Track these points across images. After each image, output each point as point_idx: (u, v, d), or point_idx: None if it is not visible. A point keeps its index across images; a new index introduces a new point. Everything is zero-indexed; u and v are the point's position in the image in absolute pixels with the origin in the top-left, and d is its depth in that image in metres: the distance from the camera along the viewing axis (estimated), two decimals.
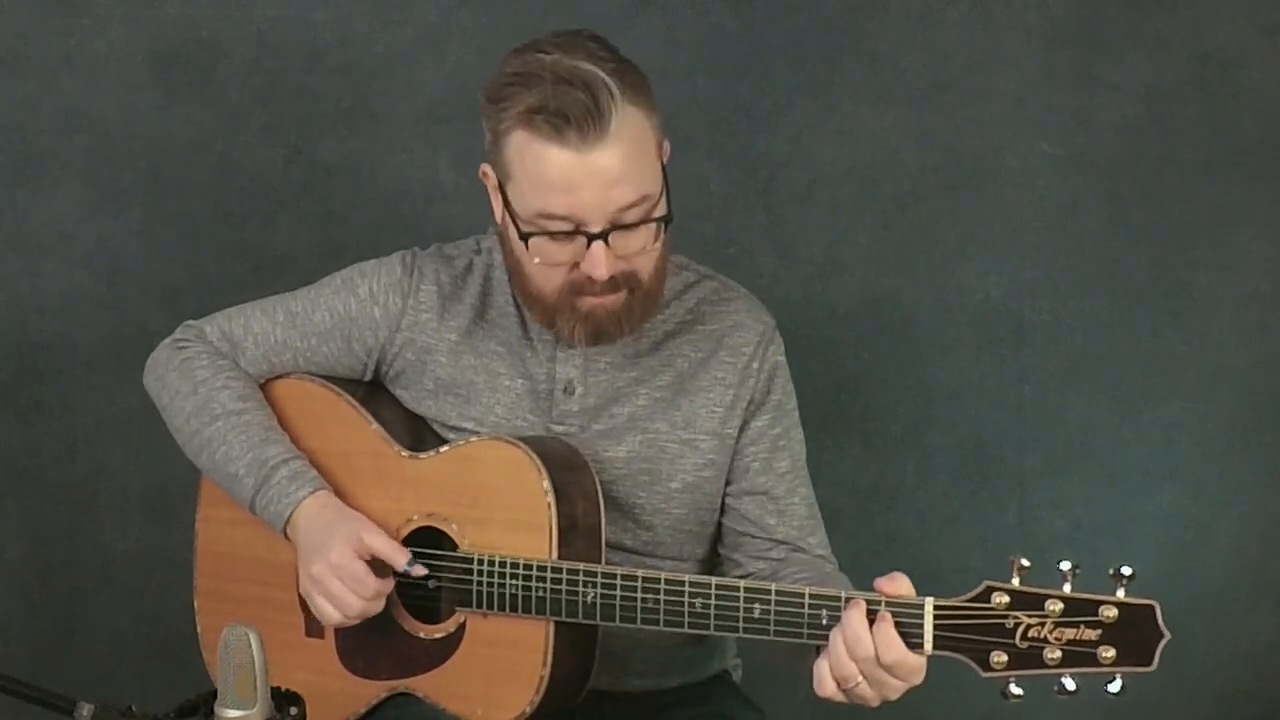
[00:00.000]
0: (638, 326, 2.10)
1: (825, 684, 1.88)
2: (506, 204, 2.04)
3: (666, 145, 2.06)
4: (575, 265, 2.01)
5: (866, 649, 1.85)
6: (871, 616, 1.86)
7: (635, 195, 1.98)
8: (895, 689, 1.89)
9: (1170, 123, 2.77)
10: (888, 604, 1.86)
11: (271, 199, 2.88)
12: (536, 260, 2.03)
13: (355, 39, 2.85)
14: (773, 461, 2.18)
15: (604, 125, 1.94)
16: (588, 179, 1.96)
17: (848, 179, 2.83)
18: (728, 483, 2.18)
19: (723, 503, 2.19)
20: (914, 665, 1.87)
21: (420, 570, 2.06)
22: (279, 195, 2.88)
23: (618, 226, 1.98)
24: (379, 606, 2.07)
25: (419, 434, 2.18)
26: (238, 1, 2.84)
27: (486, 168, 2.07)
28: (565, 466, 2.05)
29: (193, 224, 2.89)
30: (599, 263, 1.99)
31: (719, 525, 2.20)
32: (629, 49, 2.03)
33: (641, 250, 2.02)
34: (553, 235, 2.00)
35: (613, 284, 2.02)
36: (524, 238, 2.01)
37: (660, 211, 2.02)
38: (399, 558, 2.06)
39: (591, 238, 1.98)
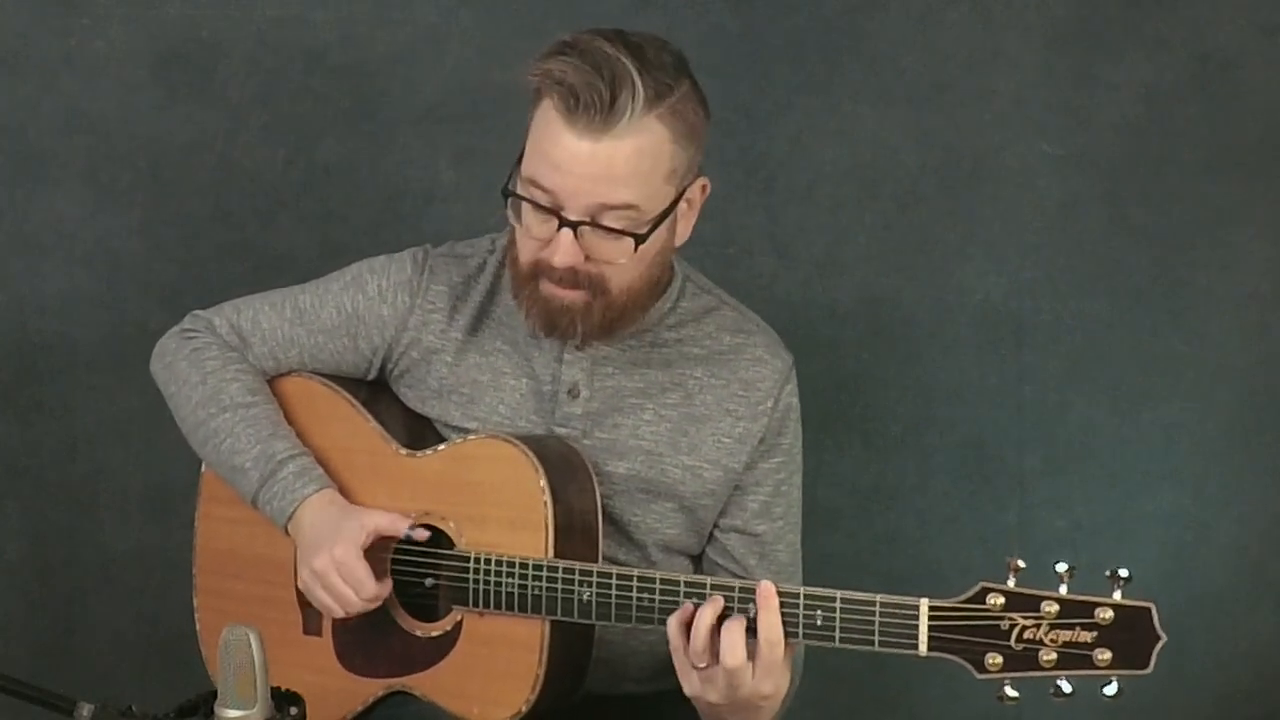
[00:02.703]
0: (596, 333, 2.08)
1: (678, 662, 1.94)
2: (519, 158, 2.03)
3: (706, 182, 2.05)
4: (547, 244, 2.01)
5: (700, 640, 1.89)
6: (729, 615, 1.90)
7: (620, 200, 1.97)
8: (733, 691, 1.91)
9: (1170, 123, 2.77)
10: (881, 604, 1.86)
11: (271, 199, 2.88)
12: (516, 222, 2.03)
13: (355, 39, 2.85)
14: (771, 506, 2.18)
15: (611, 120, 1.93)
16: (577, 164, 1.95)
17: (848, 179, 2.83)
18: (721, 514, 2.18)
19: (710, 531, 2.19)
20: (744, 677, 1.89)
21: (422, 534, 2.06)
22: (279, 195, 2.88)
23: (594, 224, 1.98)
24: (375, 604, 2.07)
25: (420, 433, 2.18)
26: (238, 1, 2.84)
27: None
28: (563, 465, 2.05)
29: (193, 224, 2.89)
30: (561, 250, 1.98)
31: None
32: None
33: (610, 260, 2.01)
34: (534, 205, 1.99)
35: (573, 278, 2.01)
36: (510, 194, 2.02)
37: (641, 230, 1.99)
38: (400, 525, 2.07)
39: (563, 223, 1.98)
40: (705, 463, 2.14)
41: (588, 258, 2.00)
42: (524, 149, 2.02)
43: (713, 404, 2.14)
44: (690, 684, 1.95)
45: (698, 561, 2.21)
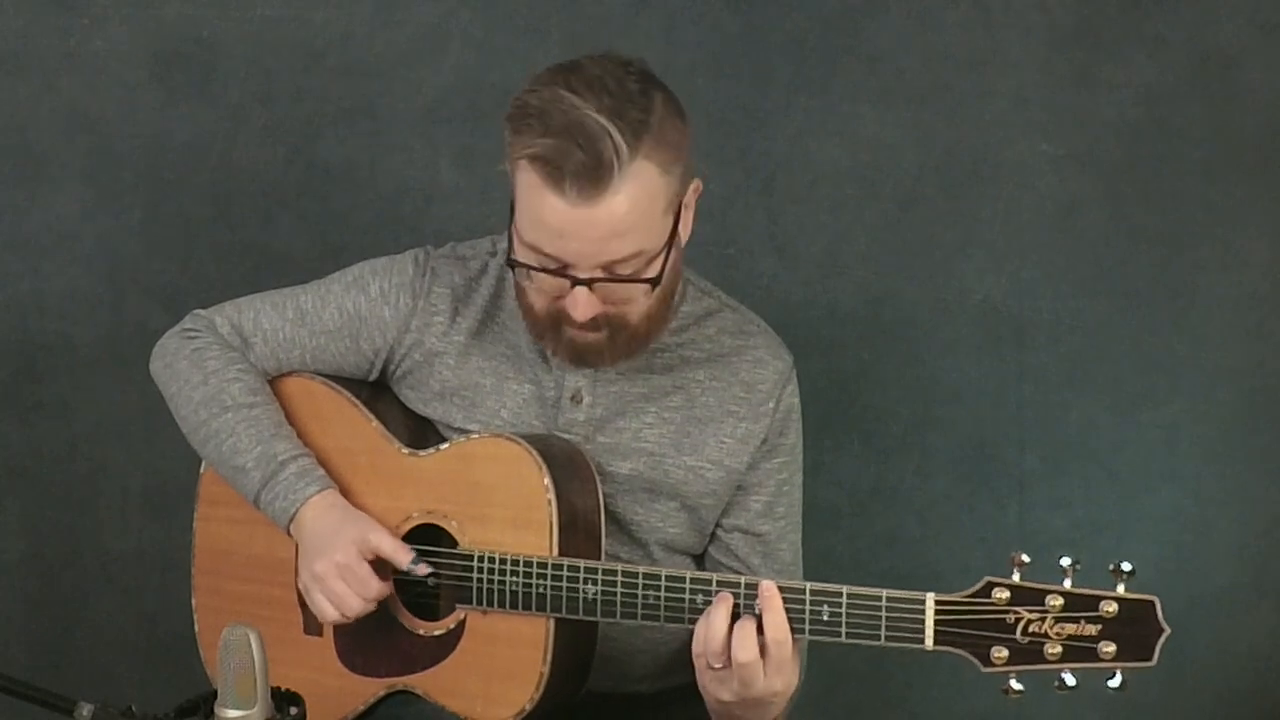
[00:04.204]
0: (622, 360, 2.09)
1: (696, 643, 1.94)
2: (511, 220, 2.02)
3: (698, 183, 2.05)
4: (561, 297, 2.01)
5: (717, 642, 1.90)
6: (738, 613, 1.91)
7: (629, 250, 1.96)
8: (746, 689, 1.91)
9: (1170, 123, 2.77)
10: (888, 599, 1.86)
11: (271, 199, 2.88)
12: (525, 281, 2.03)
13: (355, 39, 2.85)
14: (773, 505, 2.18)
15: (603, 182, 1.91)
16: (579, 230, 1.94)
17: (848, 179, 2.83)
18: (724, 514, 2.18)
19: (713, 531, 2.19)
20: (756, 674, 1.90)
21: (424, 569, 2.06)
22: (279, 195, 2.88)
23: (607, 277, 1.98)
24: (373, 607, 2.07)
25: (422, 433, 2.18)
26: (238, 1, 2.84)
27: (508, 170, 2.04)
28: (566, 464, 2.05)
29: (193, 224, 2.89)
30: (580, 306, 1.99)
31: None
32: (629, 49, 2.03)
33: (628, 300, 2.01)
34: (542, 270, 1.99)
35: (594, 324, 2.01)
36: (513, 264, 2.01)
37: (652, 272, 2.00)
38: (403, 557, 2.06)
39: (576, 281, 1.97)
40: (708, 463, 2.14)
41: (605, 300, 2.00)
42: (513, 211, 2.01)
43: (715, 405, 2.15)
44: (704, 685, 1.95)
45: (699, 560, 2.21)
